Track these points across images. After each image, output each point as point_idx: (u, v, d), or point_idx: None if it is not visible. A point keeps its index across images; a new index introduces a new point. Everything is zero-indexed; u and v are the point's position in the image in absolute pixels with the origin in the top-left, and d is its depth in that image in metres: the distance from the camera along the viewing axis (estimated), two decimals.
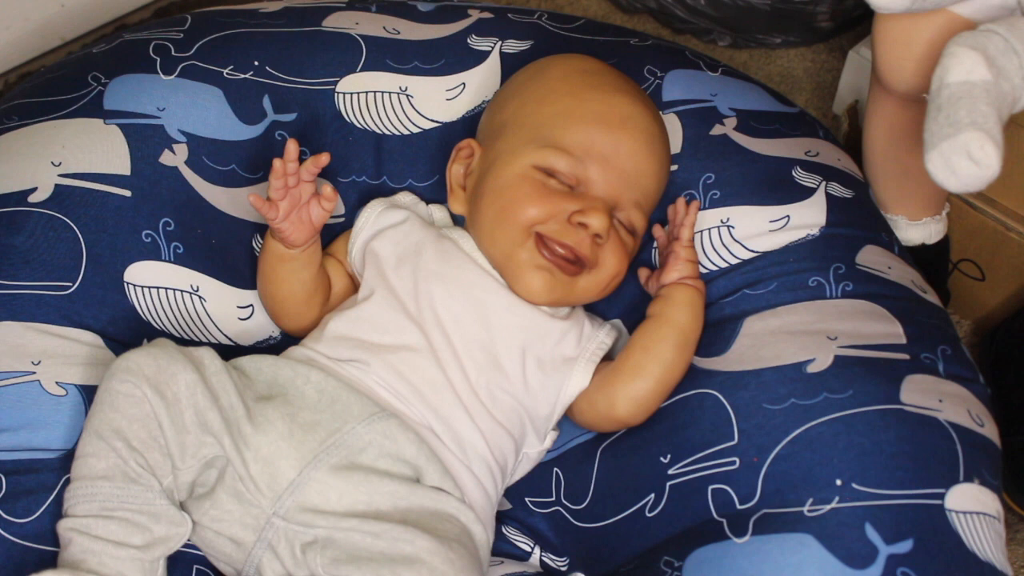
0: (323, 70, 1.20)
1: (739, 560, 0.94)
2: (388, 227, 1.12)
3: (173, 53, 1.17)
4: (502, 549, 1.10)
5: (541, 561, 1.10)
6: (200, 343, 1.11)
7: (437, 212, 1.17)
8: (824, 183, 1.14)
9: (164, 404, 0.94)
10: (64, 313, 1.04)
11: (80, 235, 1.07)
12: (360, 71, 1.21)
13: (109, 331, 1.06)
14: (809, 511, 0.94)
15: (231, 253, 1.15)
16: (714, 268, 1.12)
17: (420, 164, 1.21)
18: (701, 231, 1.13)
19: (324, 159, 1.04)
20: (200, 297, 1.12)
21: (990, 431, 1.01)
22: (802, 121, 1.22)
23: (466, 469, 1.01)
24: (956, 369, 1.04)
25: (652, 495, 1.03)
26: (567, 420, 1.11)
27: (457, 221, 1.17)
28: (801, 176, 1.15)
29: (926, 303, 1.10)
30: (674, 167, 1.15)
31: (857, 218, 1.14)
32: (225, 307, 1.13)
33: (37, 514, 0.96)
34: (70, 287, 1.05)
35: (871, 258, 1.11)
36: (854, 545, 0.92)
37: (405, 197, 1.18)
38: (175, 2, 1.68)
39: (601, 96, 1.08)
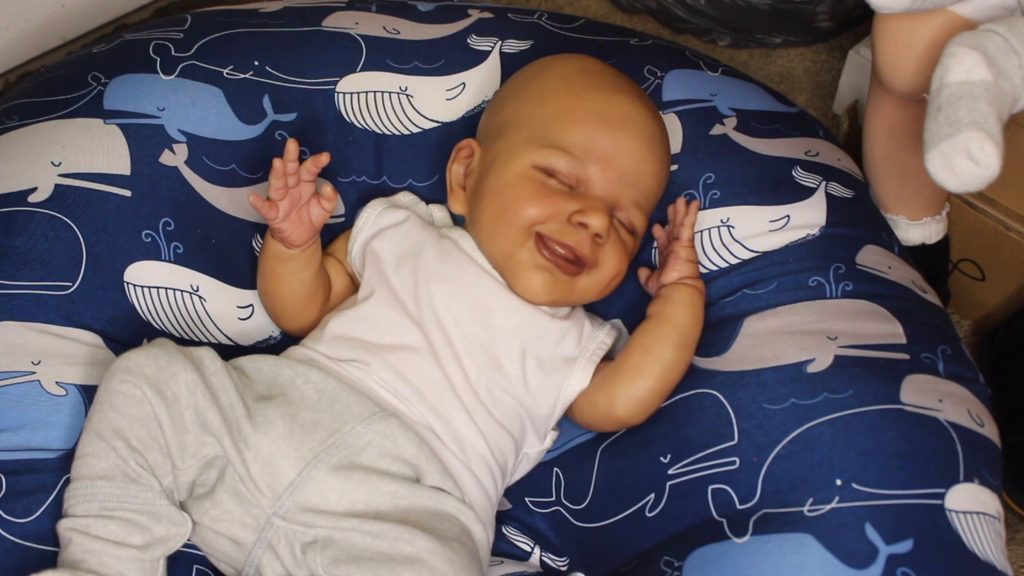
0: (323, 70, 1.20)
1: (739, 560, 0.94)
2: (388, 227, 1.12)
3: (173, 53, 1.17)
4: (502, 549, 1.10)
5: (541, 561, 1.10)
6: (200, 343, 1.11)
7: (437, 212, 1.17)
8: (824, 183, 1.14)
9: (164, 404, 0.94)
10: (64, 313, 1.04)
11: (80, 235, 1.07)
12: (360, 71, 1.21)
13: (109, 331, 1.06)
14: (809, 511, 0.94)
15: (231, 253, 1.15)
16: (714, 268, 1.12)
17: (420, 164, 1.21)
18: (701, 231, 1.13)
19: (324, 159, 1.04)
20: (200, 297, 1.12)
21: (990, 431, 1.01)
22: (802, 121, 1.22)
23: (466, 469, 1.01)
24: (956, 369, 1.04)
25: (652, 495, 1.03)
26: (567, 420, 1.11)
27: (457, 221, 1.17)
28: (801, 176, 1.15)
29: (926, 303, 1.10)
30: (674, 167, 1.15)
31: (857, 218, 1.14)
32: (225, 307, 1.13)
33: (37, 514, 0.96)
34: (70, 287, 1.05)
35: (871, 258, 1.11)
36: (854, 545, 0.92)
37: (405, 197, 1.18)
38: (175, 2, 1.68)
39: (601, 96, 1.08)
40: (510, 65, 1.21)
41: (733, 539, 0.95)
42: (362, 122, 1.21)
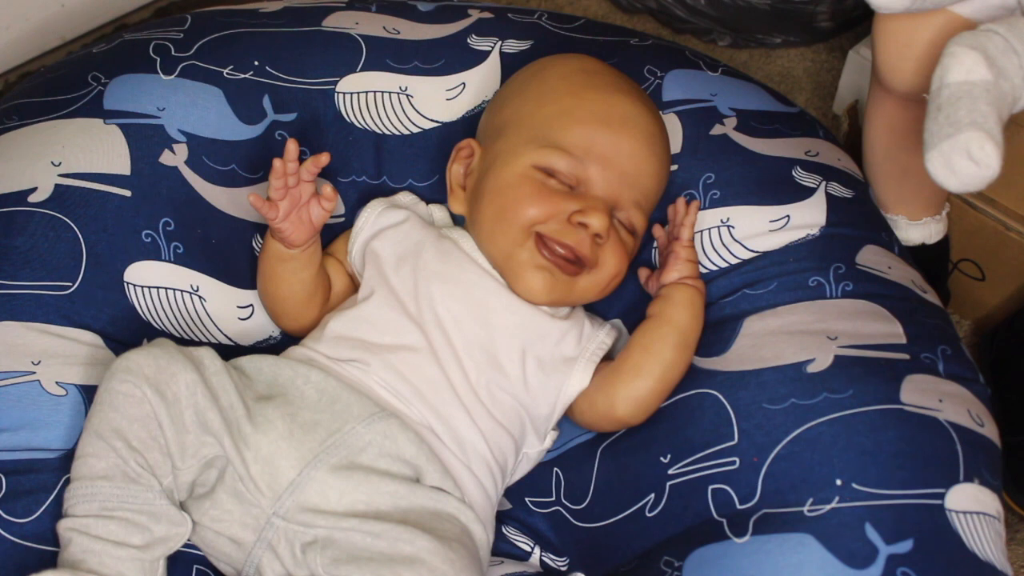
0: (323, 70, 1.20)
1: (739, 560, 0.94)
2: (388, 227, 1.12)
3: (173, 53, 1.17)
4: (502, 549, 1.10)
5: (541, 561, 1.10)
6: (200, 343, 1.11)
7: (437, 212, 1.17)
8: (824, 183, 1.14)
9: (164, 404, 0.94)
10: (64, 313, 1.04)
11: (80, 235, 1.07)
12: (360, 71, 1.21)
13: (109, 331, 1.06)
14: (809, 511, 0.94)
15: (231, 253, 1.15)
16: (714, 268, 1.12)
17: (420, 164, 1.21)
18: (701, 231, 1.13)
19: (324, 159, 1.04)
20: (200, 297, 1.12)
21: (990, 431, 1.01)
22: (802, 121, 1.22)
23: (466, 469, 1.01)
24: (956, 369, 1.04)
25: (652, 495, 1.03)
26: (567, 420, 1.11)
27: (457, 221, 1.17)
28: (801, 176, 1.15)
29: (926, 303, 1.10)
30: (674, 167, 1.15)
31: (857, 218, 1.14)
32: (225, 307, 1.13)
33: (37, 514, 0.96)
34: (70, 287, 1.05)
35: (871, 258, 1.11)
36: (854, 545, 0.92)
37: (405, 197, 1.18)
38: (175, 2, 1.68)
39: (601, 96, 1.08)
40: (510, 65, 1.21)
41: (733, 539, 0.95)
42: (362, 122, 1.21)
